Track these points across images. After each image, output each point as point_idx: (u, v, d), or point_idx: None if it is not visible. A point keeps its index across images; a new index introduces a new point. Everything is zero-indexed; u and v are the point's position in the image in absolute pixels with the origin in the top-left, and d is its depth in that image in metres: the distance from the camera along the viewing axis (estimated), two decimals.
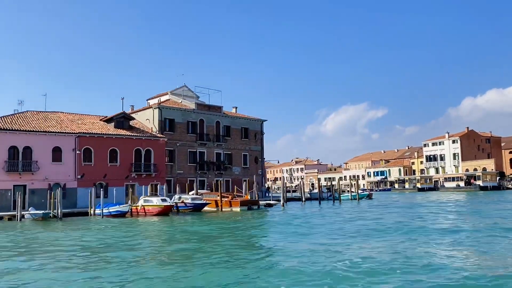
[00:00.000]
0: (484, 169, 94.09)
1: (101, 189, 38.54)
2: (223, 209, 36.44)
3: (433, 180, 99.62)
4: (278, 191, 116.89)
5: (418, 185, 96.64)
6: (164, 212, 32.57)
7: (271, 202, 42.44)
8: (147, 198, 34.18)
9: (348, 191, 58.68)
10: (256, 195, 42.60)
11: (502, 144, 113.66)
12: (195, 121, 50.67)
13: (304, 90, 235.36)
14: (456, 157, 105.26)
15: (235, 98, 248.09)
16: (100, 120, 46.95)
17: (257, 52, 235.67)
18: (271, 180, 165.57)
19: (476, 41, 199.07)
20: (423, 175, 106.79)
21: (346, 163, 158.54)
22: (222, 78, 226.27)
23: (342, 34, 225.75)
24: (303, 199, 49.80)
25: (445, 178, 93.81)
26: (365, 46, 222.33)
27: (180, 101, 53.09)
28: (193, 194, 39.60)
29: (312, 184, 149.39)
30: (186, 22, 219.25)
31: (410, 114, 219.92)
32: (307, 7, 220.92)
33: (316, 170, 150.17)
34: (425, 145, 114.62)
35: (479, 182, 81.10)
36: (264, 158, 59.27)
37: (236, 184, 53.88)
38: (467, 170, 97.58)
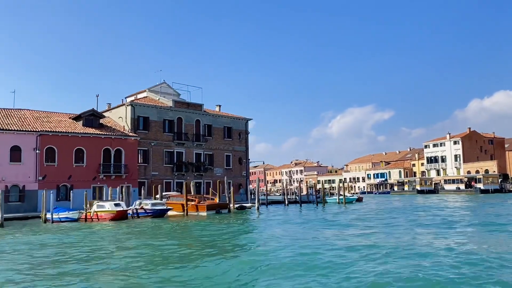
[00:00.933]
0: (486, 171, 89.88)
1: (67, 191, 35.54)
2: (189, 213, 33.03)
3: (434, 182, 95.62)
4: (277, 193, 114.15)
5: (418, 187, 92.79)
6: (117, 218, 29.20)
7: (245, 204, 39.00)
8: (100, 203, 30.81)
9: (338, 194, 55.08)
10: (232, 198, 39.12)
11: (506, 146, 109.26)
12: (173, 119, 47.40)
13: (309, 92, 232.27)
14: (458, 158, 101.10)
15: (233, 101, 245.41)
16: (70, 118, 43.84)
17: (258, 55, 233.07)
18: (271, 183, 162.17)
19: (484, 42, 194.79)
20: (423, 177, 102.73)
21: (346, 165, 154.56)
22: (219, 81, 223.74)
23: (347, 35, 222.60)
24: (286, 202, 46.32)
25: (444, 180, 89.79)
26: (371, 48, 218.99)
27: (157, 99, 49.87)
28: (158, 198, 36.20)
29: (311, 186, 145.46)
30: (181, 21, 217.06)
31: (417, 116, 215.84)
32: (311, 6, 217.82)
33: (315, 172, 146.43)
34: (426, 147, 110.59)
35: (480, 185, 77.04)
36: (249, 159, 55.90)
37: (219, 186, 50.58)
38: (468, 172, 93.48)
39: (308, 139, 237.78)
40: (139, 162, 44.12)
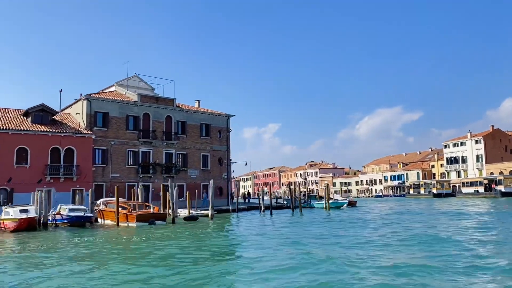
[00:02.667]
0: (511, 172, 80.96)
1: (7, 196, 30.81)
2: (121, 224, 27.44)
3: (451, 184, 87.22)
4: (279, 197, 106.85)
5: (434, 191, 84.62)
6: (21, 228, 23.99)
7: (195, 214, 33.12)
8: (8, 208, 25.68)
9: (328, 197, 48.46)
10: (191, 206, 33.37)
11: None
12: (138, 115, 42.10)
13: (335, 93, 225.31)
14: (480, 159, 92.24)
15: (253, 104, 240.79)
16: (21, 115, 39.15)
17: (280, 57, 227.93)
18: (285, 185, 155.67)
19: None
20: (439, 179, 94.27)
21: (364, 167, 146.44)
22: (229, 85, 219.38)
23: (374, 36, 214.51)
24: (262, 208, 40.25)
25: (462, 182, 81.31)
26: (398, 47, 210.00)
27: (124, 93, 44.76)
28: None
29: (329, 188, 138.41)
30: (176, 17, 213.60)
31: (447, 116, 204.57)
32: (336, 7, 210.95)
33: (330, 174, 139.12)
34: (445, 146, 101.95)
35: (501, 187, 68.56)
36: (231, 160, 50.02)
37: (194, 189, 45.05)
38: (491, 173, 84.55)
39: (335, 141, 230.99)
40: (96, 162, 38.99)
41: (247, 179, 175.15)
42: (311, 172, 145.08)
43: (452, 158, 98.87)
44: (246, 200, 56.32)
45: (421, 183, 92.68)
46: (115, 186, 30.71)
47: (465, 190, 78.15)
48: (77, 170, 37.07)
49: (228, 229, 24.41)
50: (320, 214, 35.65)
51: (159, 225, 27.07)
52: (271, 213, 36.95)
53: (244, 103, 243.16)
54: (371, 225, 24.17)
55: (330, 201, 44.86)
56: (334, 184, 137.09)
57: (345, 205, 46.72)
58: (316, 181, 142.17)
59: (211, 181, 34.20)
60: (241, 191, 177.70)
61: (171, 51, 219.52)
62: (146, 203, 32.50)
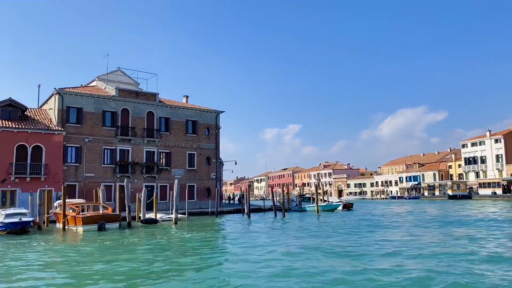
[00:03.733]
0: None
1: None
2: (70, 228, 24.42)
3: (468, 185, 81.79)
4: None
5: (449, 192, 79.43)
6: None
7: (154, 217, 29.81)
8: None
9: (322, 199, 44.54)
10: (166, 209, 30.22)
11: None
12: (115, 111, 39.24)
13: (357, 94, 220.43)
14: (500, 159, 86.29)
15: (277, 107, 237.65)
16: None
17: (300, 57, 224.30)
18: (299, 186, 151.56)
19: None
20: (455, 180, 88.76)
21: (380, 168, 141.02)
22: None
23: (396, 33, 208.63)
24: (246, 211, 36.75)
25: (479, 184, 75.91)
26: (422, 47, 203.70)
27: (103, 87, 42.02)
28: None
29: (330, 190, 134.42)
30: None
31: (473, 116, 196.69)
32: (363, 5, 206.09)
33: (344, 175, 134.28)
34: (463, 146, 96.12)
35: None
36: (221, 159, 46.71)
37: (179, 190, 41.93)
38: None
39: (357, 142, 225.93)
40: (68, 161, 36.28)
41: (261, 179, 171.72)
42: (325, 173, 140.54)
43: (471, 158, 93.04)
44: (242, 202, 52.63)
45: (435, 184, 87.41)
46: (63, 186, 27.72)
47: (482, 191, 72.90)
48: (46, 169, 34.40)
49: (170, 238, 20.91)
50: (305, 219, 31.94)
51: (111, 229, 23.93)
52: (249, 216, 33.43)
53: (263, 104, 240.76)
54: (356, 236, 20.40)
55: (323, 204, 41.07)
56: (348, 186, 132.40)
57: (339, 208, 42.79)
58: (330, 182, 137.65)
59: (176, 180, 31.01)
60: (256, 192, 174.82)
61: (182, 47, 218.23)
62: (103, 204, 29.37)
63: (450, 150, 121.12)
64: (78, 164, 36.77)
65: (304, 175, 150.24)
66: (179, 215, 30.50)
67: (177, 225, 26.99)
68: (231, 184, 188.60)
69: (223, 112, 46.21)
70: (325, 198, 43.89)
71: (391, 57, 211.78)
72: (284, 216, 34.18)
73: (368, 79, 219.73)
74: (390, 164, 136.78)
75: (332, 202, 44.20)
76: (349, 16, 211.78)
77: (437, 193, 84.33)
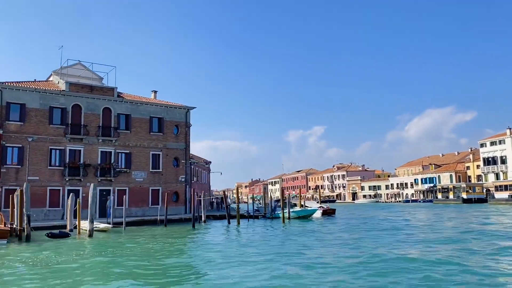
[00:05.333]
0: None
1: None
2: None
3: (485, 188, 74.42)
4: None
5: (464, 195, 72.28)
6: None
7: (62, 230, 25.06)
8: None
9: (300, 204, 39.03)
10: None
11: None
12: (65, 107, 35.00)
13: (383, 94, 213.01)
14: None
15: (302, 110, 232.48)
16: None
17: (327, 58, 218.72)
18: (312, 189, 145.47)
19: None
20: (469, 182, 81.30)
21: (396, 169, 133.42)
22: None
23: (424, 33, 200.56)
24: (203, 218, 31.82)
25: (495, 186, 68.59)
26: (450, 43, 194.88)
27: (57, 82, 37.95)
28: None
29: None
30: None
31: (504, 116, 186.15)
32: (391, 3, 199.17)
33: (358, 177, 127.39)
34: (482, 145, 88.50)
35: None
36: (192, 160, 41.94)
37: (140, 195, 37.53)
38: None
39: (383, 144, 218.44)
40: (8, 163, 32.24)
41: (275, 182, 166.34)
42: (338, 175, 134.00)
43: (490, 159, 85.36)
44: (220, 207, 47.56)
45: (449, 186, 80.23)
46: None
47: (498, 195, 65.74)
48: None
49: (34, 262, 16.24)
50: (258, 229, 26.75)
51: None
52: (193, 226, 28.46)
53: (287, 106, 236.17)
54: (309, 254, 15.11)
55: (297, 210, 35.78)
56: (362, 188, 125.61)
57: (317, 214, 37.29)
58: (344, 185, 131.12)
59: (92, 185, 26.13)
60: (270, 194, 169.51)
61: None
62: None
63: (471, 150, 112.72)
64: (19, 166, 32.67)
65: (318, 177, 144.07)
66: (108, 225, 25.91)
67: (91, 239, 22.29)
68: (246, 186, 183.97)
69: (193, 108, 41.49)
70: (301, 203, 38.47)
71: (418, 57, 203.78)
72: (238, 223, 29.10)
73: (393, 79, 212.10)
74: (407, 165, 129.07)
75: (310, 207, 38.70)
76: (374, 18, 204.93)
77: (451, 196, 77.17)
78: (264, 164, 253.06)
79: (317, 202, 42.22)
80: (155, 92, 42.41)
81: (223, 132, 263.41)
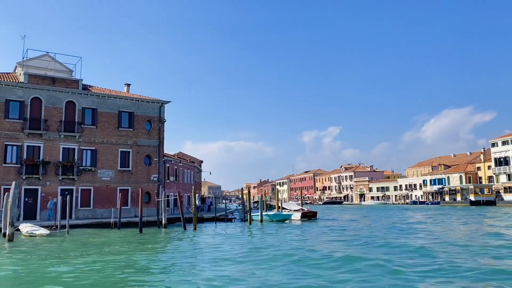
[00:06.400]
0: None
1: None
2: None
3: (495, 189, 69.70)
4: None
5: (471, 198, 67.76)
6: None
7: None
8: None
9: (277, 206, 35.53)
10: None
11: None
12: (23, 100, 32.32)
13: (399, 94, 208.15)
14: None
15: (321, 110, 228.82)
16: None
17: (344, 56, 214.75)
18: (320, 190, 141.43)
19: None
20: (478, 184, 76.49)
21: (406, 170, 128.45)
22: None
23: (440, 29, 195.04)
24: (163, 222, 28.67)
25: (505, 187, 63.97)
26: (468, 43, 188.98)
27: (19, 74, 35.34)
28: None
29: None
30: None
31: None
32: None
33: (366, 178, 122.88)
34: (493, 145, 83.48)
35: None
36: (165, 158, 38.88)
37: (106, 195, 34.65)
38: None
39: (399, 144, 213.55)
40: None
41: (283, 183, 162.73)
42: (346, 176, 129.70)
43: (501, 159, 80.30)
44: (199, 209, 43.96)
45: (457, 188, 75.63)
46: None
47: (507, 197, 61.15)
48: None
49: None
50: (213, 237, 23.44)
51: None
52: (141, 231, 25.29)
53: (302, 106, 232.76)
54: None
55: (271, 213, 32.42)
56: (370, 189, 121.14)
57: (293, 218, 33.74)
58: (351, 186, 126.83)
59: (13, 183, 23.21)
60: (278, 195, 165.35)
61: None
62: None
63: (484, 150, 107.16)
64: None
65: (325, 178, 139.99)
66: (46, 230, 23.00)
67: (10, 243, 19.35)
68: (254, 187, 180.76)
69: (168, 102, 38.49)
70: (277, 205, 35.01)
71: (435, 57, 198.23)
72: (195, 229, 25.88)
73: (410, 80, 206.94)
74: (417, 166, 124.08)
75: (290, 210, 35.22)
76: (392, 18, 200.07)
77: (458, 198, 72.62)
78: (278, 165, 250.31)
79: (299, 204, 38.64)
80: (128, 85, 39.56)
81: (238, 133, 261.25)
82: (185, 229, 26.16)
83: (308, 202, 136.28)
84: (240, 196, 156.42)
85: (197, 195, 39.54)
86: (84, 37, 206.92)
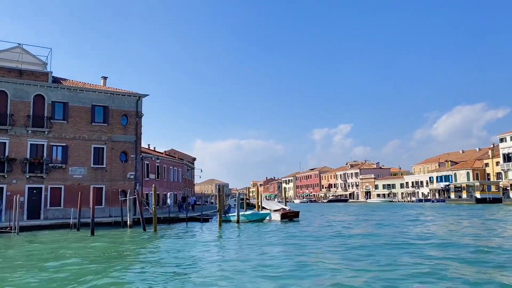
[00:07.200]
0: None
1: None
2: None
3: (503, 186, 66.32)
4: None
5: (477, 195, 64.48)
6: None
7: None
8: None
9: (257, 205, 32.98)
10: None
11: None
12: None
13: (410, 90, 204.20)
14: None
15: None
16: None
17: (352, 55, 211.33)
18: (325, 187, 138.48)
19: None
20: (485, 181, 73.05)
21: (412, 167, 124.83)
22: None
23: (453, 25, 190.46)
24: (128, 222, 26.46)
25: (511, 185, 60.57)
26: (480, 39, 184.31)
27: None
28: None
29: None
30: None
31: None
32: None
33: (372, 175, 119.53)
34: (501, 140, 79.91)
35: None
36: (143, 155, 36.67)
37: (78, 194, 32.47)
38: None
39: (410, 142, 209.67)
40: None
41: (289, 180, 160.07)
42: (351, 173, 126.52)
43: (510, 154, 76.77)
44: (181, 209, 41.33)
45: (463, 185, 72.33)
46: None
47: None
48: None
49: None
50: (184, 238, 21.13)
51: None
52: (92, 233, 23.03)
53: (313, 103, 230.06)
54: None
55: (248, 213, 30.04)
56: (376, 187, 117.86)
57: (272, 218, 31.22)
58: (357, 183, 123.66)
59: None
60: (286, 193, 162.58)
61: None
62: None
63: (493, 146, 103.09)
64: None
65: (331, 176, 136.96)
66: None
67: None
68: (260, 185, 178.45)
69: (146, 95, 36.28)
70: (259, 203, 32.51)
71: (446, 52, 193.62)
72: (155, 230, 23.59)
73: (422, 76, 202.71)
74: (424, 162, 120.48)
75: (270, 210, 32.74)
76: (402, 13, 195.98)
77: (464, 195, 69.33)
78: (288, 163, 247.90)
79: (280, 202, 35.96)
80: (105, 78, 37.42)
81: (248, 132, 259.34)
82: (144, 230, 23.89)
83: (313, 200, 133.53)
84: (245, 193, 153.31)
85: (169, 194, 37.27)
86: (68, 30, 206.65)
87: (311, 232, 23.03)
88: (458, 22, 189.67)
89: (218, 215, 26.00)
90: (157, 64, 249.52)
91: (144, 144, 51.40)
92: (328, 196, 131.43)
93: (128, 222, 26.77)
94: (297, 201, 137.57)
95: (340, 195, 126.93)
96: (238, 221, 28.84)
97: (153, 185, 26.88)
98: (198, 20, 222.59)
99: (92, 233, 22.83)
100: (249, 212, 31.86)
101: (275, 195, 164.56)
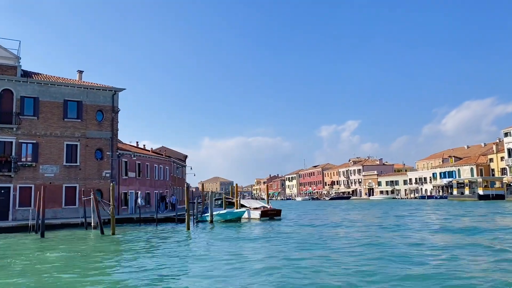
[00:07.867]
0: None
1: None
2: None
3: (507, 182, 63.67)
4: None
5: (480, 191, 61.88)
6: None
7: None
8: None
9: (236, 203, 30.83)
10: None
11: None
12: None
13: (419, 85, 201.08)
14: None
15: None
16: None
17: (358, 52, 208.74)
18: (328, 184, 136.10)
19: None
20: (487, 176, 70.33)
21: (416, 163, 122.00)
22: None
23: (462, 20, 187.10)
24: (92, 224, 24.62)
25: None
26: (489, 33, 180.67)
27: None
28: None
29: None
30: None
31: None
32: None
33: (375, 172, 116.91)
34: (506, 135, 77.06)
35: None
36: (119, 152, 34.77)
37: (50, 193, 30.75)
38: None
39: (419, 137, 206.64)
40: None
41: (292, 178, 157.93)
42: (354, 170, 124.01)
43: None
44: (158, 209, 38.93)
45: (465, 181, 69.72)
46: None
47: None
48: None
49: None
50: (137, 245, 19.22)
51: None
52: (42, 235, 21.15)
53: (320, 100, 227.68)
54: None
55: (222, 212, 28.08)
56: (379, 183, 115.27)
57: (251, 217, 29.18)
58: (360, 180, 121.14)
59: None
60: (287, 191, 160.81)
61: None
62: None
63: (499, 141, 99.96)
64: None
65: (334, 173, 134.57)
66: None
67: None
68: (264, 182, 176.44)
69: (123, 90, 34.41)
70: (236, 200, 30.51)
71: (454, 46, 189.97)
72: (102, 233, 21.71)
73: (430, 71, 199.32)
74: (428, 158, 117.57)
75: (250, 208, 30.71)
76: (410, 8, 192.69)
77: (467, 191, 66.73)
78: (295, 160, 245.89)
79: (262, 200, 34.00)
80: (81, 72, 35.61)
81: (256, 129, 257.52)
82: (102, 233, 22.00)
83: (315, 197, 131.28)
84: (251, 191, 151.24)
85: (139, 192, 35.41)
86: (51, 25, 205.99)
87: (289, 233, 20.96)
88: (467, 16, 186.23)
89: (186, 216, 23.97)
90: (163, 64, 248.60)
91: (133, 142, 49.71)
92: (331, 193, 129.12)
93: (92, 224, 24.91)
94: (299, 198, 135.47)
95: (343, 192, 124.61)
96: (211, 221, 26.95)
97: (111, 184, 24.99)
98: (200, 19, 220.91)
99: (42, 235, 20.97)
100: (223, 211, 29.92)
101: (278, 193, 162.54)
